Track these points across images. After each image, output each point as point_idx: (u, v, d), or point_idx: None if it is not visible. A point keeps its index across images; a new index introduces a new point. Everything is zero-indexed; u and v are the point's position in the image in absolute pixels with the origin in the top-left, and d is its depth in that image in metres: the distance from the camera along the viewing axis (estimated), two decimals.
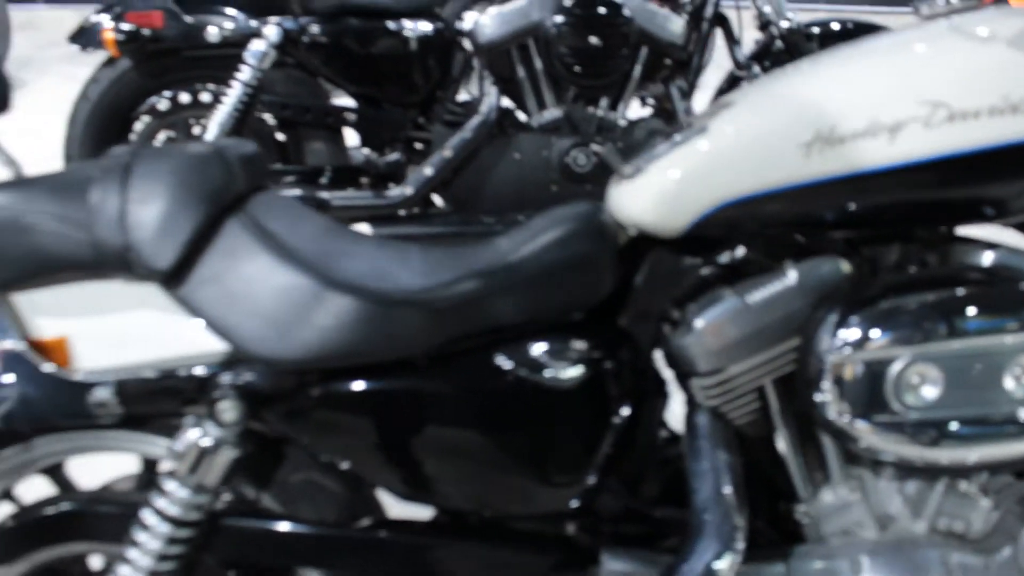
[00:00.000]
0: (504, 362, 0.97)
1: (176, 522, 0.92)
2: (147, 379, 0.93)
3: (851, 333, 0.94)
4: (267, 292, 0.90)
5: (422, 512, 1.06)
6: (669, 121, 2.39)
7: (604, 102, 2.38)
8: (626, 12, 2.24)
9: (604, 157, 2.33)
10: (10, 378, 0.93)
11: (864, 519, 1.07)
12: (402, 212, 2.19)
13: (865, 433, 0.95)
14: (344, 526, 1.03)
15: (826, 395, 0.95)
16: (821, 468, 1.07)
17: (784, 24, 2.47)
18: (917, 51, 0.99)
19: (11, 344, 0.93)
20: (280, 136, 2.35)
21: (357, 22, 2.20)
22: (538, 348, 0.98)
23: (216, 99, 2.21)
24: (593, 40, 2.23)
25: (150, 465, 1.11)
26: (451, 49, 2.29)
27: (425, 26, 2.23)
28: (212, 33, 2.13)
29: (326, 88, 2.39)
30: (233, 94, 2.12)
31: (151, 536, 0.92)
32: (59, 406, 0.92)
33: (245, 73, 2.12)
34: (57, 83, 4.58)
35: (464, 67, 2.36)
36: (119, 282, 0.94)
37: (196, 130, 2.27)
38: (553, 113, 2.35)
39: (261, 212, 0.97)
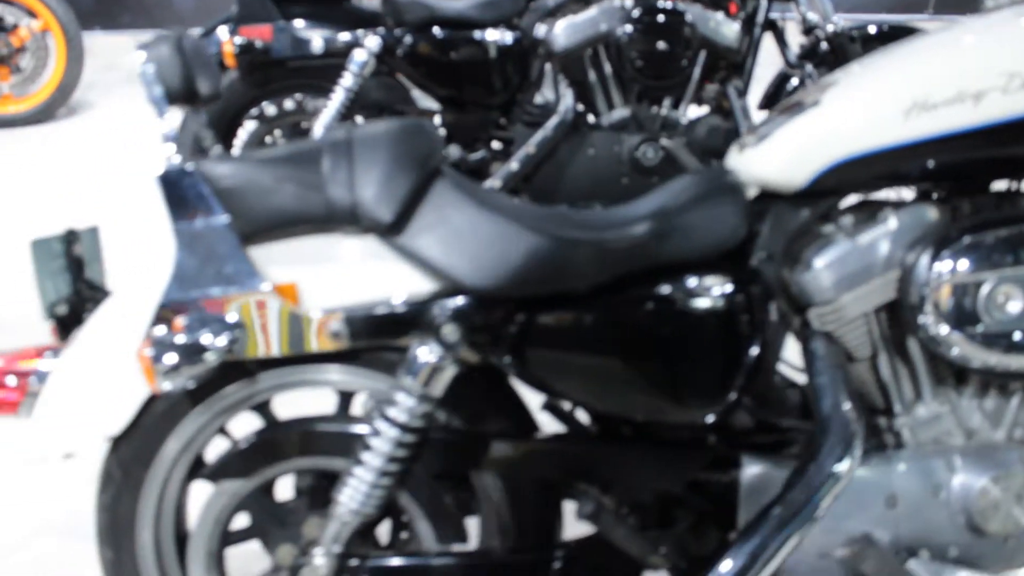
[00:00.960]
0: (662, 294, 1.18)
1: (404, 428, 1.12)
2: (372, 313, 1.14)
3: (945, 265, 1.15)
4: (474, 237, 1.11)
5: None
6: (726, 118, 2.61)
7: (667, 102, 2.61)
8: (688, 19, 2.46)
9: (672, 151, 2.57)
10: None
11: (952, 429, 1.27)
12: None
13: (959, 343, 1.15)
14: (522, 438, 1.24)
15: (927, 316, 1.16)
16: (914, 386, 1.27)
17: (830, 28, 2.69)
18: (993, 32, 1.20)
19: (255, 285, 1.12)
20: None
21: (445, 32, 2.42)
22: (690, 282, 1.19)
23: (316, 105, 2.44)
24: (658, 46, 2.46)
25: (345, 400, 1.30)
26: (529, 56, 2.51)
27: (505, 35, 2.46)
28: (317, 45, 2.37)
29: (413, 94, 2.61)
30: (336, 99, 2.35)
31: (382, 440, 1.12)
32: (294, 336, 1.12)
33: (348, 79, 2.35)
34: (122, 102, 4.87)
35: (540, 72, 2.58)
36: (339, 235, 1.15)
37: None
38: (621, 113, 2.58)
39: (453, 175, 1.19)
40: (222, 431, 1.27)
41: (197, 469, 1.26)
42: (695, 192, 1.23)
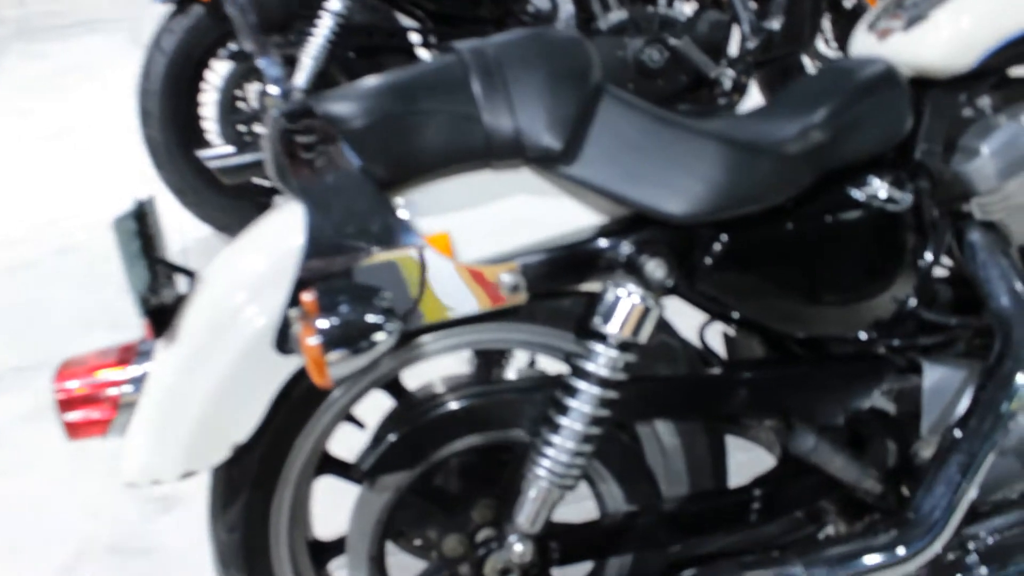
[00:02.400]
0: (846, 198, 1.09)
1: (606, 383, 0.99)
2: (547, 258, 1.00)
3: None
4: (663, 156, 0.98)
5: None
6: (724, 11, 2.49)
7: (663, 1, 2.47)
8: None
9: (681, 50, 2.44)
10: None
11: None
12: None
13: None
14: (696, 377, 1.13)
15: None
16: None
17: None
18: None
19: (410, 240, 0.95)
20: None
21: None
22: (869, 183, 1.09)
23: (299, 36, 2.19)
24: None
25: (486, 359, 1.17)
26: None
27: None
28: None
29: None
30: (324, 24, 2.11)
31: (582, 400, 0.99)
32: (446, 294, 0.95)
33: (335, 3, 2.11)
34: None
35: None
36: (489, 172, 0.99)
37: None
38: (618, 15, 2.42)
39: (617, 90, 1.04)
40: (349, 418, 1.13)
41: (323, 465, 1.12)
42: (854, 86, 1.12)
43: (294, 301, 0.92)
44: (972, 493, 1.08)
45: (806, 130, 1.05)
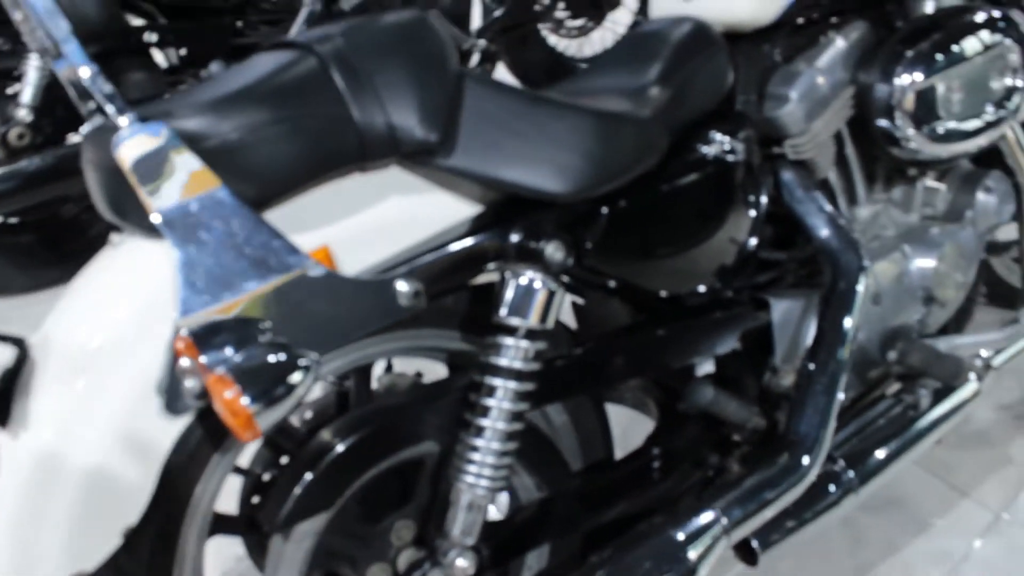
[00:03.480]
0: (695, 157, 1.13)
1: (521, 375, 0.94)
2: (438, 257, 0.93)
3: (904, 78, 1.24)
4: (541, 136, 0.94)
5: None
6: None
7: None
8: None
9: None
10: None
11: (885, 222, 1.41)
12: None
13: (918, 140, 1.26)
14: (586, 353, 1.13)
15: (896, 122, 1.25)
16: (853, 192, 1.38)
17: None
18: None
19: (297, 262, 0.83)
20: None
21: None
22: (711, 139, 1.15)
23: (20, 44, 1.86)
24: None
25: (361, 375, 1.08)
26: None
27: None
28: None
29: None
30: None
31: (500, 398, 0.94)
32: (370, 309, 0.87)
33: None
34: None
35: None
36: (352, 180, 0.91)
37: None
38: None
39: (472, 71, 0.99)
40: (236, 470, 1.00)
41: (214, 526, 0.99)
42: (677, 45, 1.16)
43: (177, 354, 0.78)
44: (837, 405, 1.18)
45: (654, 93, 1.07)
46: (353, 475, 0.95)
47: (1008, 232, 1.64)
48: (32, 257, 2.07)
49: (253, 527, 1.01)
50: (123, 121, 0.76)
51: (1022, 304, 1.55)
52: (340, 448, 0.94)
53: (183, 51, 2.10)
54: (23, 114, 1.83)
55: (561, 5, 2.97)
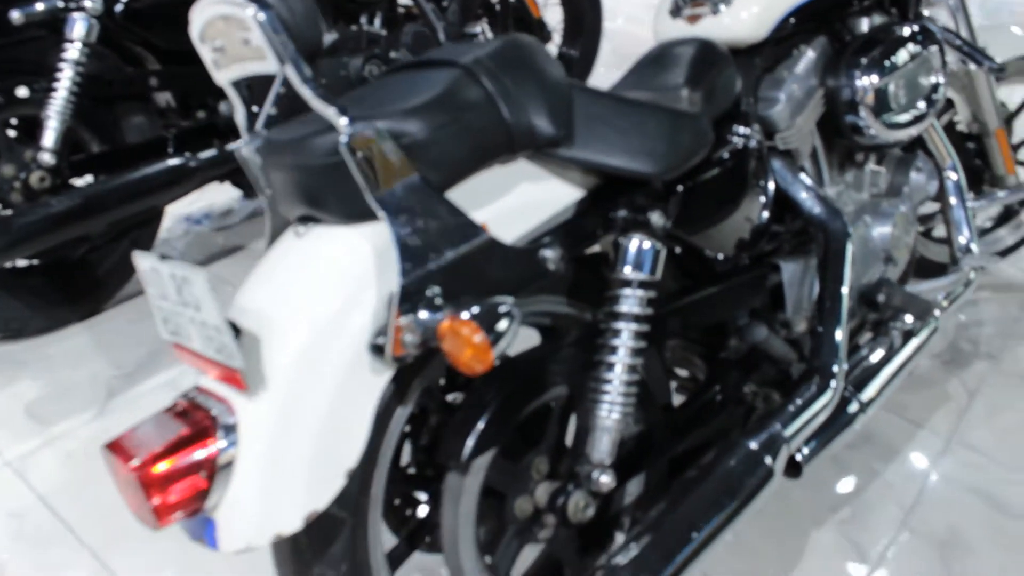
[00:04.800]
0: (731, 144, 1.39)
1: (639, 318, 1.16)
2: (566, 232, 1.14)
3: (865, 80, 1.55)
4: (632, 129, 1.18)
5: None
6: (425, 22, 2.70)
7: (363, 19, 2.60)
8: None
9: (399, 61, 2.60)
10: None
11: (845, 199, 1.72)
12: None
13: (877, 128, 1.57)
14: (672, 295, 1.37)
15: (860, 113, 1.56)
16: (820, 174, 1.68)
17: None
18: None
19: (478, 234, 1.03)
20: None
21: None
22: (739, 129, 1.41)
23: (35, 91, 1.93)
24: None
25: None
26: None
27: None
28: (16, 17, 1.84)
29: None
30: (65, 77, 1.89)
31: (625, 338, 1.15)
32: (527, 272, 1.08)
33: (72, 52, 1.90)
34: None
35: None
36: (492, 171, 1.10)
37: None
38: (330, 37, 2.51)
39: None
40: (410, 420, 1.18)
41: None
42: (696, 60, 1.42)
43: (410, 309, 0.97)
44: (847, 342, 1.45)
45: (694, 97, 1.33)
46: (512, 416, 1.14)
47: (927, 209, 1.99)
48: (44, 298, 2.12)
49: (424, 467, 1.17)
50: (343, 122, 0.94)
51: (953, 259, 1.90)
52: (505, 392, 1.13)
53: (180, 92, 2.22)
54: (46, 158, 1.91)
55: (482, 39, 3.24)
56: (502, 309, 0.95)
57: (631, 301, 1.16)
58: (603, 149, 1.15)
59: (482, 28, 2.78)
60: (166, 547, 1.62)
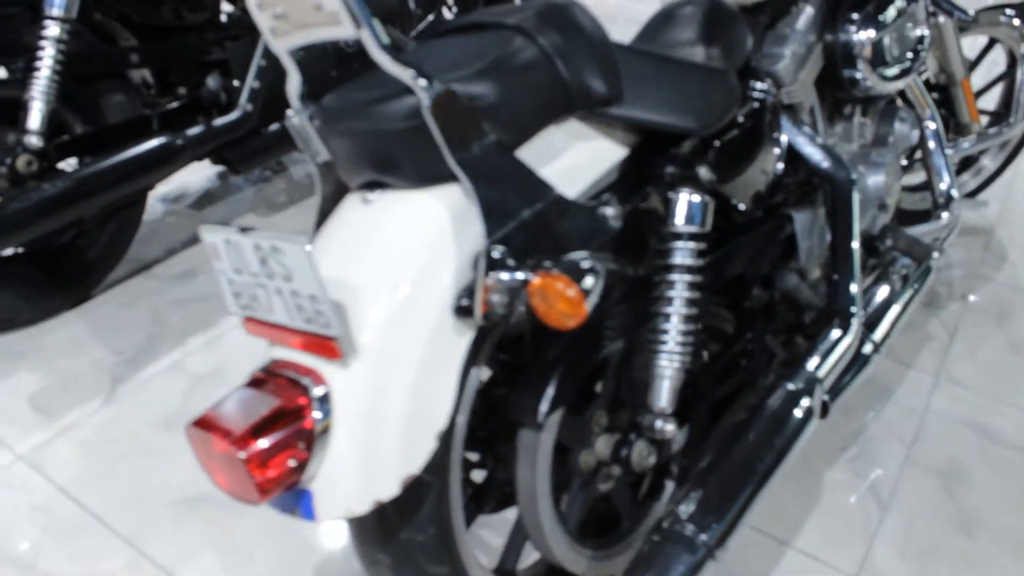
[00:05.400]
0: (751, 99, 1.43)
1: (693, 269, 1.20)
2: (619, 190, 1.17)
3: (862, 34, 1.61)
4: (674, 87, 1.20)
5: None
6: None
7: None
8: None
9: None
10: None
11: (841, 151, 1.79)
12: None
13: (873, 79, 1.64)
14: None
15: (859, 66, 1.62)
16: (816, 125, 1.74)
17: None
18: None
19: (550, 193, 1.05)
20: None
21: None
22: (757, 84, 1.45)
23: (12, 72, 1.85)
24: None
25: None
26: None
27: None
28: None
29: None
30: (47, 56, 1.81)
31: (680, 289, 1.19)
32: (592, 228, 1.10)
33: (52, 29, 1.82)
34: None
35: None
36: (547, 131, 1.12)
37: None
38: None
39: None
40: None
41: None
42: (710, 18, 1.45)
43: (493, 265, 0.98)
44: (861, 278, 1.51)
45: (715, 54, 1.36)
46: (580, 372, 1.17)
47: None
48: (33, 287, 2.05)
49: (493, 425, 1.19)
50: (422, 84, 0.94)
51: (936, 204, 1.99)
52: (571, 349, 1.15)
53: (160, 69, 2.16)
54: (33, 140, 1.84)
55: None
56: (586, 264, 0.98)
57: (684, 253, 1.20)
58: (650, 107, 1.18)
59: None
60: (199, 531, 1.60)
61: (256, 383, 0.99)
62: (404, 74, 0.95)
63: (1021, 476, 1.79)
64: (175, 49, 2.14)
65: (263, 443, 0.92)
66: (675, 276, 1.20)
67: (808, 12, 1.63)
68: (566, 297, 0.95)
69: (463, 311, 1.00)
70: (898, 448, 1.85)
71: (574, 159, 1.15)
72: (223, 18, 2.30)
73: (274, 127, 2.29)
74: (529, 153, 1.09)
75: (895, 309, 1.67)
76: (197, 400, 1.92)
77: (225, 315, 2.16)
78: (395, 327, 0.97)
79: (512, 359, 1.26)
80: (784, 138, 1.53)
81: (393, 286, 0.98)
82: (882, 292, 1.68)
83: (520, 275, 0.98)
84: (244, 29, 2.29)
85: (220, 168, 2.75)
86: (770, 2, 1.58)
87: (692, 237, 1.20)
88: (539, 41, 1.07)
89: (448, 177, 1.01)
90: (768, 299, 1.54)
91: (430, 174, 1.01)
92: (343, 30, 0.97)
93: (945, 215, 1.94)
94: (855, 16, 1.63)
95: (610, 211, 1.13)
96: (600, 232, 1.12)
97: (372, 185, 1.07)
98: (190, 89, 2.21)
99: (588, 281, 0.97)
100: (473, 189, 0.98)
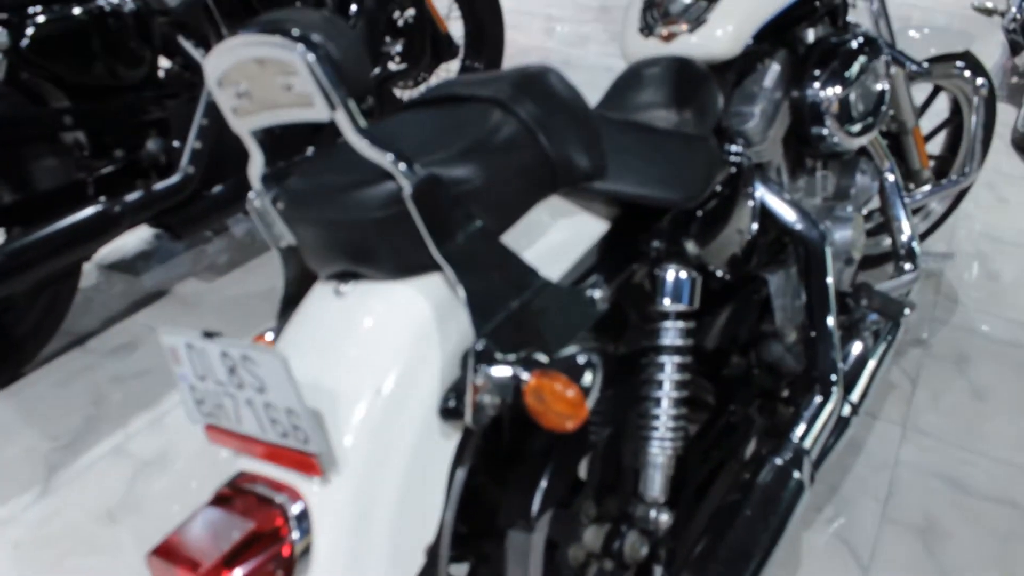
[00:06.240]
0: (727, 164, 1.40)
1: (682, 350, 1.15)
2: (604, 268, 1.11)
3: (828, 91, 1.60)
4: (658, 157, 1.16)
5: None
6: None
7: None
8: None
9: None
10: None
11: (807, 205, 1.77)
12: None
13: (840, 135, 1.63)
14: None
15: (826, 123, 1.60)
16: (781, 181, 1.73)
17: None
18: None
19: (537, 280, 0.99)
20: None
21: (61, 10, 1.87)
22: (733, 147, 1.42)
23: None
24: None
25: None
26: (149, 20, 2.10)
27: (116, 1, 2.01)
28: None
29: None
30: None
31: (668, 371, 1.14)
32: (579, 313, 1.04)
33: None
34: None
35: (161, 38, 2.18)
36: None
37: None
38: None
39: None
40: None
41: None
42: (680, 79, 1.42)
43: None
44: (838, 339, 1.48)
45: (694, 118, 1.32)
46: (571, 466, 1.10)
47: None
48: None
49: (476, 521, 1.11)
50: (402, 169, 0.87)
51: (897, 256, 1.98)
52: (558, 442, 1.08)
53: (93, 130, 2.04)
54: None
55: (398, 58, 3.16)
56: (582, 359, 0.91)
57: (673, 333, 1.15)
58: (636, 180, 1.13)
59: (400, 45, 2.71)
60: None
61: (222, 500, 0.90)
62: (383, 159, 0.88)
63: (996, 529, 1.78)
64: (110, 109, 2.03)
65: (238, 574, 0.83)
66: (664, 358, 1.15)
67: (774, 69, 1.61)
68: (566, 399, 0.88)
69: (450, 413, 0.92)
70: (873, 505, 1.83)
71: (556, 237, 1.09)
72: (161, 74, 2.20)
73: (217, 188, 2.19)
74: (511, 235, 1.03)
75: (870, 367, 1.64)
76: (143, 488, 1.79)
77: (169, 391, 2.03)
78: (378, 436, 0.89)
79: (488, 445, 1.18)
80: (758, 197, 1.50)
81: (375, 390, 0.90)
82: (856, 350, 1.66)
83: (512, 372, 0.91)
84: (183, 87, 2.19)
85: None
86: (737, 61, 1.56)
87: (680, 316, 1.15)
88: (519, 114, 1.02)
89: (428, 266, 0.94)
90: (747, 366, 1.50)
91: (409, 264, 0.94)
92: (316, 112, 0.90)
93: (909, 266, 1.94)
94: (820, 72, 1.62)
95: (598, 293, 1.07)
96: (589, 316, 1.06)
97: (344, 275, 0.99)
98: (127, 151, 2.09)
99: (587, 378, 0.90)
100: (459, 282, 0.91)
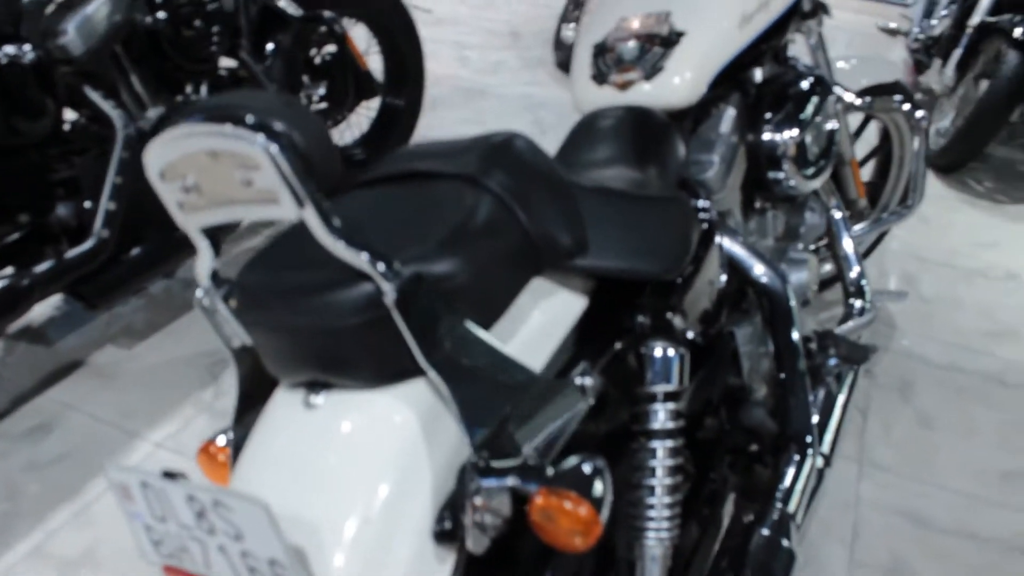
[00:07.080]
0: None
1: (674, 433, 1.08)
2: (587, 351, 1.03)
3: (784, 134, 1.57)
4: (638, 227, 1.09)
5: None
6: (254, 84, 2.46)
7: (189, 87, 2.32)
8: None
9: None
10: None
11: (762, 248, 1.75)
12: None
13: (796, 178, 1.60)
14: None
15: (784, 167, 1.57)
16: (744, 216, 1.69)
17: None
18: None
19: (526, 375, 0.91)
20: None
21: None
22: (700, 203, 1.36)
23: None
24: (192, 26, 2.16)
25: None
26: (50, 70, 1.93)
27: (14, 50, 1.84)
28: None
29: None
30: None
31: (661, 458, 1.07)
32: (571, 407, 0.95)
33: None
34: None
35: (65, 88, 2.00)
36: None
37: None
38: (156, 111, 2.20)
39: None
40: None
41: None
42: (641, 132, 1.36)
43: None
44: (810, 395, 1.44)
45: (658, 172, 1.26)
46: (567, 571, 1.01)
47: None
48: None
49: None
50: (381, 269, 0.78)
51: (847, 293, 1.98)
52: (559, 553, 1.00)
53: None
54: None
55: (318, 98, 3.03)
56: (588, 468, 0.83)
57: (664, 416, 1.08)
58: (618, 254, 1.06)
59: (323, 87, 2.60)
60: None
61: None
62: (359, 260, 0.78)
63: (961, 563, 1.78)
64: (12, 169, 1.85)
65: None
66: (655, 443, 1.07)
67: (729, 113, 1.57)
68: (578, 517, 0.80)
69: (445, 536, 0.83)
70: (840, 550, 1.80)
71: (538, 321, 1.01)
72: (66, 127, 2.03)
73: (135, 251, 2.03)
74: (496, 327, 0.94)
75: (836, 416, 1.61)
76: None
77: (94, 477, 1.85)
78: (368, 571, 0.79)
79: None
80: (724, 249, 1.45)
81: (362, 518, 0.80)
82: (821, 399, 1.63)
83: (514, 488, 0.82)
84: (92, 141, 2.03)
85: None
86: (692, 107, 1.52)
87: (669, 397, 1.08)
88: (493, 190, 0.93)
89: (409, 371, 0.84)
90: (719, 427, 1.45)
91: (389, 372, 0.85)
92: (281, 209, 0.79)
93: (860, 304, 1.93)
94: (773, 116, 1.59)
95: (588, 382, 0.99)
96: (581, 409, 0.98)
97: (313, 384, 0.88)
98: (34, 216, 1.91)
99: (597, 488, 0.82)
100: (450, 390, 0.82)
